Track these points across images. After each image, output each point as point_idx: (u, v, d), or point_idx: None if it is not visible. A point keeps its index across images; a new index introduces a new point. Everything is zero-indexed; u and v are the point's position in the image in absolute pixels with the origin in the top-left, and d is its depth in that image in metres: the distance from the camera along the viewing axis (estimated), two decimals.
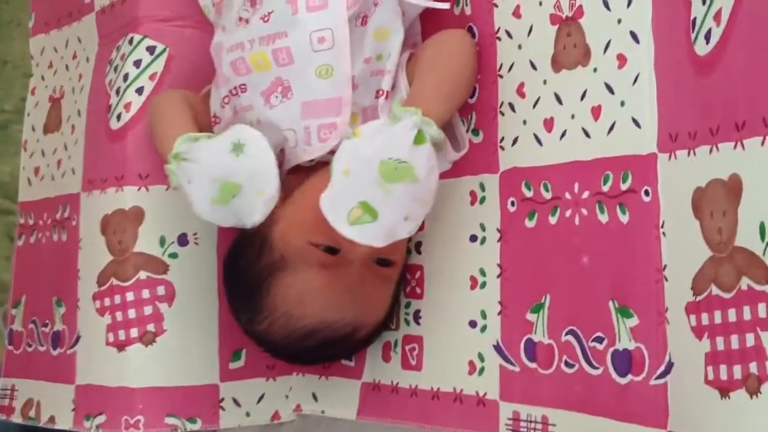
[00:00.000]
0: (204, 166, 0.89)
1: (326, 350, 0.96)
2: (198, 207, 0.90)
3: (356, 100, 0.93)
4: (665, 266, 0.73)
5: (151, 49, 1.06)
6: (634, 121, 0.77)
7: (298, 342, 0.93)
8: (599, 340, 0.78)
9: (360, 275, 0.89)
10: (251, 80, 0.95)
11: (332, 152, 0.92)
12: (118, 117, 1.05)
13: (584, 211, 0.81)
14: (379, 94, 0.94)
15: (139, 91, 1.05)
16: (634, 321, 0.76)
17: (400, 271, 0.95)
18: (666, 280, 0.73)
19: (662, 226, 0.74)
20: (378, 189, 0.81)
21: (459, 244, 0.92)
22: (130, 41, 1.07)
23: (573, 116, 0.82)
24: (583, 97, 0.81)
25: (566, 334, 0.81)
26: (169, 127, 0.96)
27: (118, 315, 1.01)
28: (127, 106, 1.04)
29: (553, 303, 0.82)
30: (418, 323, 0.96)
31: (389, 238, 0.82)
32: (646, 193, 0.76)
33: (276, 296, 0.90)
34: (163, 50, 1.06)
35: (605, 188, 0.79)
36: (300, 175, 0.95)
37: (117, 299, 1.02)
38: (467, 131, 0.93)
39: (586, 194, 0.81)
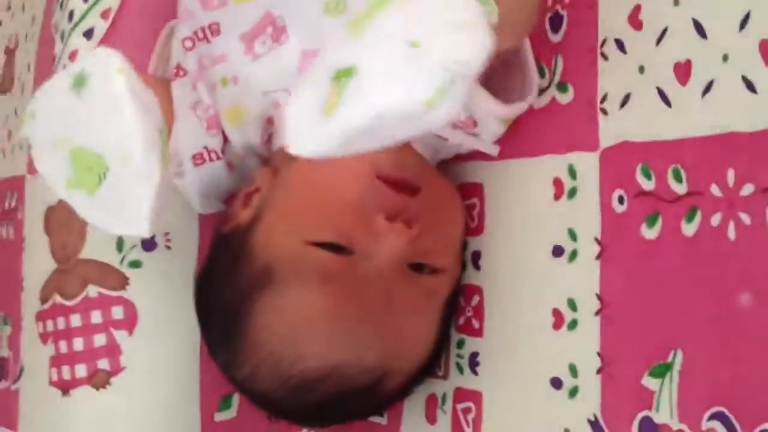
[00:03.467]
0: (41, 120, 0.60)
1: (341, 408, 0.73)
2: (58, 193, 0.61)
3: None
4: None
5: None
6: None
7: (296, 395, 0.70)
8: None
9: (386, 290, 0.69)
10: (226, 17, 0.75)
11: None
12: None
13: (745, 218, 0.58)
14: None
15: (88, 34, 0.85)
16: None
17: (453, 284, 0.74)
18: None
19: None
20: None
21: (536, 259, 0.71)
22: None
23: (725, 57, 0.59)
24: (743, 25, 0.58)
25: (710, 418, 0.59)
26: None
27: (62, 345, 0.85)
28: (72, 56, 0.85)
29: (687, 364, 0.61)
30: (475, 372, 0.74)
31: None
32: None
33: (259, 328, 0.69)
34: None
35: None
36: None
37: (60, 323, 0.85)
38: (549, 86, 0.71)
39: (748, 189, 0.58)
